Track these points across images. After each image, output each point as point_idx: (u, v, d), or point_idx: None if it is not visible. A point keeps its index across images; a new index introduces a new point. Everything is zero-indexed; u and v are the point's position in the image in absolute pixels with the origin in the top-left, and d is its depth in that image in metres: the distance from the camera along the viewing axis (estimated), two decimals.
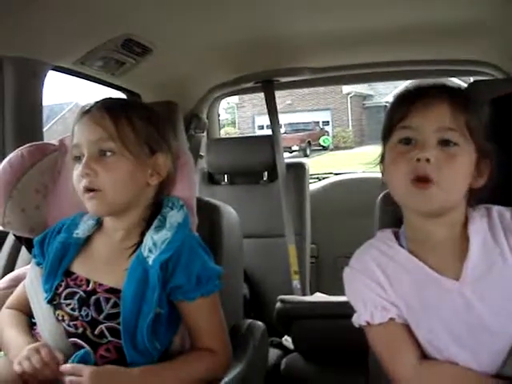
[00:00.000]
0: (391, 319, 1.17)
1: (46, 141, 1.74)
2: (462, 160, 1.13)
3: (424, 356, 1.16)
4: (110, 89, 2.48)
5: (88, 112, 1.34)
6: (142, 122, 1.34)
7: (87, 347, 1.29)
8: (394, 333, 1.18)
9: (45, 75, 1.97)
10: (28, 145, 1.57)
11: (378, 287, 1.19)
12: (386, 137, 1.22)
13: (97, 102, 1.36)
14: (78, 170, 1.31)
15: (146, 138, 1.34)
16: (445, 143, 1.12)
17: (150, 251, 1.30)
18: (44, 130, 2.07)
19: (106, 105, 1.35)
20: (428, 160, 1.10)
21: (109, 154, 1.29)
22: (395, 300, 1.18)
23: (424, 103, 1.14)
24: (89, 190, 1.29)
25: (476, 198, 1.20)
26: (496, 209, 1.21)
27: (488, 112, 1.19)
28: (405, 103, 1.17)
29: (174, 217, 1.36)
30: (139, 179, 1.34)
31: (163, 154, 1.37)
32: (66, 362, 1.23)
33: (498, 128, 1.18)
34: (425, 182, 1.11)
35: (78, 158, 1.33)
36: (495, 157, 1.16)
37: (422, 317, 1.16)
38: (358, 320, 1.22)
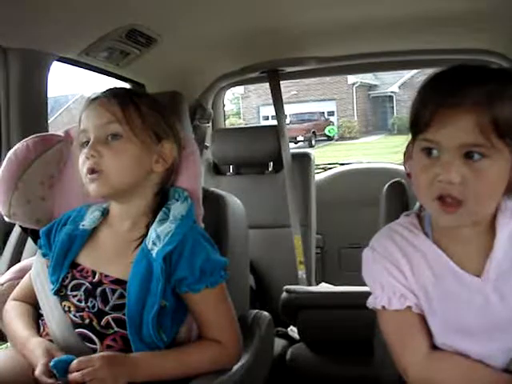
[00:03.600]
0: (408, 307, 1.16)
1: (51, 132, 1.74)
2: (490, 173, 1.03)
3: (436, 347, 1.16)
4: (114, 80, 2.47)
5: (96, 99, 1.36)
6: (149, 110, 1.36)
7: (94, 338, 1.30)
8: (408, 321, 1.17)
9: (50, 66, 1.97)
10: (33, 136, 1.57)
11: (400, 274, 1.17)
12: (414, 132, 1.12)
13: (106, 90, 1.38)
14: (83, 154, 1.33)
15: (153, 125, 1.36)
16: (471, 156, 1.03)
17: (154, 244, 1.30)
18: (49, 121, 2.07)
19: (114, 92, 1.37)
20: (451, 182, 1.03)
21: (115, 137, 1.31)
22: (415, 289, 1.16)
23: (446, 115, 1.03)
24: (92, 171, 1.30)
25: None
26: None
27: None
28: (427, 109, 1.06)
29: (177, 209, 1.36)
30: (144, 164, 1.35)
31: (169, 142, 1.39)
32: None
33: None
34: (451, 205, 1.04)
35: (84, 144, 1.34)
36: None
37: (440, 308, 1.15)
38: (373, 303, 1.20)
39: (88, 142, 1.33)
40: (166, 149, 1.38)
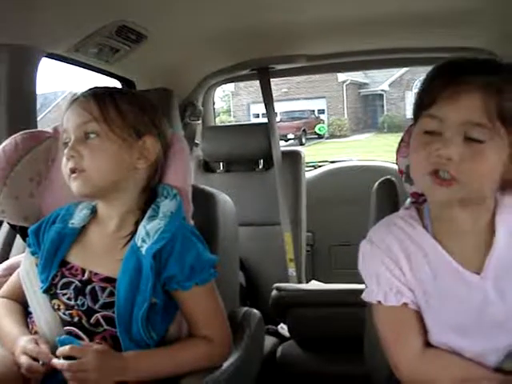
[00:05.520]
0: (404, 304, 1.16)
1: (40, 129, 1.73)
2: (488, 157, 1.05)
3: (430, 345, 1.16)
4: (104, 76, 2.46)
5: (76, 99, 1.36)
6: (130, 106, 1.35)
7: (83, 336, 1.29)
8: (403, 317, 1.17)
9: (38, 62, 1.95)
10: (22, 132, 1.56)
11: (398, 270, 1.17)
12: (415, 118, 1.15)
13: (85, 90, 1.38)
14: (65, 154, 1.33)
15: (133, 122, 1.35)
16: (471, 138, 1.05)
17: (144, 241, 1.30)
18: (38, 118, 2.06)
19: (93, 91, 1.37)
20: (450, 158, 1.04)
21: (93, 136, 1.31)
22: (413, 285, 1.16)
23: (454, 91, 1.05)
24: (73, 171, 1.31)
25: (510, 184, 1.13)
26: None
27: None
28: (434, 88, 1.09)
29: (166, 206, 1.35)
30: (125, 162, 1.34)
31: (151, 138, 1.37)
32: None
33: None
34: (444, 181, 1.05)
35: (66, 144, 1.34)
36: None
37: (437, 305, 1.15)
38: (369, 297, 1.20)
39: (69, 141, 1.33)
40: (148, 145, 1.37)
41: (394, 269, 1.17)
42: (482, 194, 1.11)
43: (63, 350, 1.20)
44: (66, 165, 1.33)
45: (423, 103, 1.11)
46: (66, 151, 1.32)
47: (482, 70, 1.08)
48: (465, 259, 1.14)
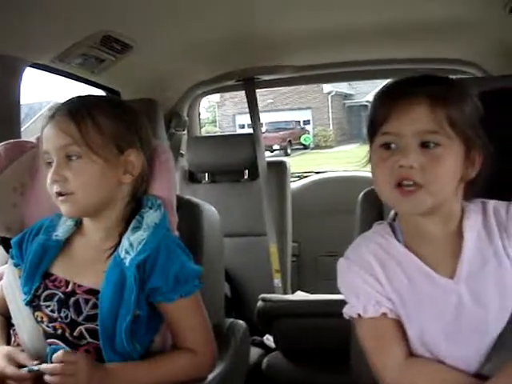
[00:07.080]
0: (383, 314, 1.17)
1: (24, 139, 1.72)
2: (446, 160, 1.10)
3: (412, 353, 1.16)
4: (89, 86, 2.45)
5: (53, 117, 1.32)
6: (109, 121, 1.32)
7: (66, 348, 1.27)
8: (383, 328, 1.17)
9: (22, 72, 1.94)
10: (5, 142, 1.54)
11: (375, 281, 1.18)
12: (371, 137, 1.19)
13: (61, 105, 1.34)
14: (49, 177, 1.30)
15: (114, 137, 1.32)
16: (427, 145, 1.09)
17: (127, 252, 1.29)
18: (23, 128, 2.04)
19: (70, 108, 1.32)
20: (411, 166, 1.09)
21: (76, 158, 1.28)
22: (390, 294, 1.17)
23: (402, 106, 1.11)
24: (60, 194, 1.29)
25: (472, 191, 1.18)
26: (492, 204, 1.19)
27: (477, 106, 1.15)
28: (384, 106, 1.14)
29: (150, 217, 1.35)
30: (110, 179, 1.32)
31: (135, 151, 1.35)
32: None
33: (488, 122, 1.14)
34: (410, 188, 1.09)
35: (49, 163, 1.31)
36: (487, 149, 1.13)
37: (415, 312, 1.16)
38: (349, 312, 1.21)
39: (52, 161, 1.30)
40: (132, 158, 1.35)
41: (371, 280, 1.19)
42: (444, 198, 1.14)
43: (56, 356, 1.19)
44: (51, 187, 1.30)
45: (376, 122, 1.15)
46: (49, 175, 1.29)
47: (427, 83, 1.15)
48: (437, 265, 1.16)
